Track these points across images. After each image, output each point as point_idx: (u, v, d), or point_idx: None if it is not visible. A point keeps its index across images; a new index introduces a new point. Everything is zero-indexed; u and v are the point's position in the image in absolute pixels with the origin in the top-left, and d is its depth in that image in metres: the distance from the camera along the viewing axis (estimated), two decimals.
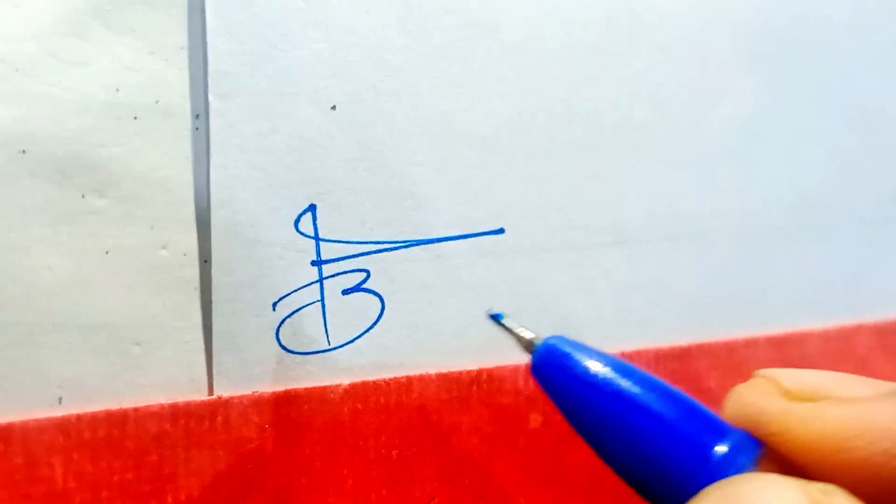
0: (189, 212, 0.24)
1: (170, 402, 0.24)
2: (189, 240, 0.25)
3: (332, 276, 0.27)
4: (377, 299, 0.28)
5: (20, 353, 0.23)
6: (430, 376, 0.28)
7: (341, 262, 0.27)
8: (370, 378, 0.27)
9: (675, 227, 0.33)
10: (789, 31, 0.35)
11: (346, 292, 0.27)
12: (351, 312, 0.27)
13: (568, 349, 0.21)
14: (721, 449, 0.17)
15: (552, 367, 0.21)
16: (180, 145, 0.24)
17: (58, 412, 0.23)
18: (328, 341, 0.27)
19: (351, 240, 0.27)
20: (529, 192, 0.30)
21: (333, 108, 0.26)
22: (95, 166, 0.23)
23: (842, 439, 0.16)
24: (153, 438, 0.24)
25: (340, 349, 0.27)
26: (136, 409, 0.24)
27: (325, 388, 0.26)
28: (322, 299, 0.27)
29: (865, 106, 0.36)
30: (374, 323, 0.28)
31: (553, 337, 0.21)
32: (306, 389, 0.26)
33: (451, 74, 0.28)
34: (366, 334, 0.28)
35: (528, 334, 0.22)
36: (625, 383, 0.19)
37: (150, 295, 0.24)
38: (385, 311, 0.28)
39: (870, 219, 0.37)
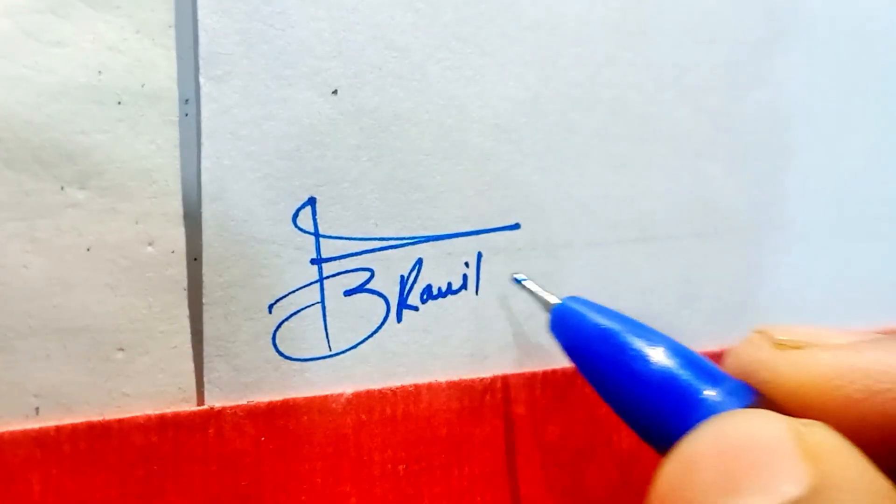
0: (177, 205, 0.24)
1: (157, 412, 0.24)
2: (177, 236, 0.24)
3: (333, 275, 0.27)
4: (382, 300, 0.27)
5: None
6: (439, 384, 0.28)
7: (343, 261, 0.27)
8: (375, 386, 0.27)
9: (704, 221, 0.33)
10: (829, 8, 0.34)
11: (348, 293, 0.27)
12: (354, 315, 0.27)
13: (580, 308, 0.24)
14: (715, 394, 0.20)
15: (566, 325, 0.25)
16: (168, 133, 0.24)
17: (35, 424, 0.23)
18: (329, 346, 0.27)
19: (353, 236, 0.27)
20: (547, 184, 0.30)
21: (335, 92, 0.26)
22: (76, 155, 0.23)
23: (826, 380, 0.18)
24: (139, 452, 0.24)
25: (342, 355, 0.27)
26: (119, 421, 0.24)
27: (326, 397, 0.26)
28: (322, 301, 0.27)
29: None
30: (379, 326, 0.28)
31: (570, 298, 0.25)
32: (306, 399, 0.26)
33: (463, 56, 0.28)
34: (370, 339, 0.27)
35: (550, 298, 0.26)
36: (629, 336, 0.22)
37: (135, 296, 0.24)
38: (390, 314, 0.28)
39: None
